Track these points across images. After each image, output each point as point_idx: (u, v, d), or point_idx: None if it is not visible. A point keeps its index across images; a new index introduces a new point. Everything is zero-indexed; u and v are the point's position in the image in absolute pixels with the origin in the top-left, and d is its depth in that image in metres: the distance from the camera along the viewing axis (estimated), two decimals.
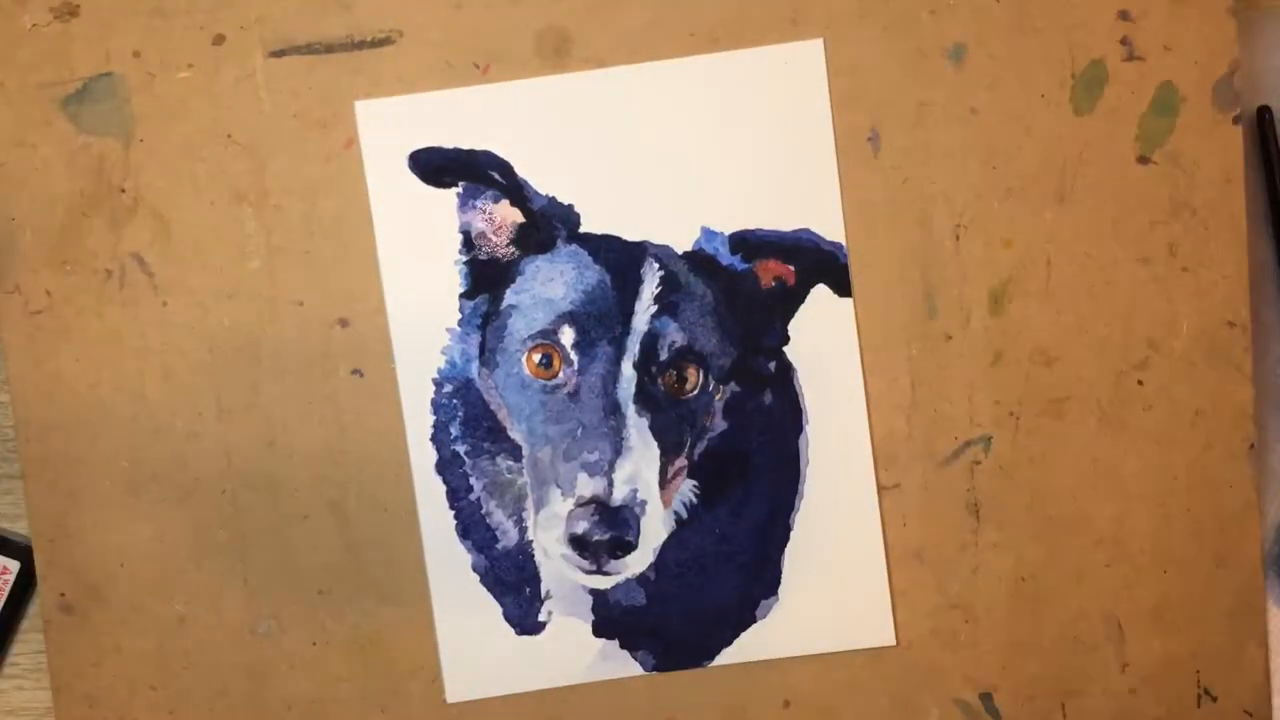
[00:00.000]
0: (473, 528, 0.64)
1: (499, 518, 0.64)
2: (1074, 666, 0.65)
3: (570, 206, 0.63)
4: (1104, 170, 0.64)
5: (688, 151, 0.63)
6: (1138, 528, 0.65)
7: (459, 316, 0.63)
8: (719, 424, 0.64)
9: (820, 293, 0.64)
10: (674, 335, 0.63)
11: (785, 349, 0.64)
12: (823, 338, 0.63)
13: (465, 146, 0.63)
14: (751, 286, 0.64)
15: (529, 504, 0.64)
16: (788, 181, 0.63)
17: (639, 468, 0.62)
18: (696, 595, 0.64)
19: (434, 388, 0.64)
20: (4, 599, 0.66)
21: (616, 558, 0.62)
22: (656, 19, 0.63)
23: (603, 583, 0.64)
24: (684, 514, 0.64)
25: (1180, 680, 0.65)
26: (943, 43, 0.64)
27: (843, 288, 0.64)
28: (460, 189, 0.63)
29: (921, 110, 0.64)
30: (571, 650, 0.65)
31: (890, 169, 0.64)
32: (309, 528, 0.64)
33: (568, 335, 0.63)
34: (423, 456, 0.64)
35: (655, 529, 0.63)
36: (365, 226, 0.63)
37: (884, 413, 0.64)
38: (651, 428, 0.62)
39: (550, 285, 0.63)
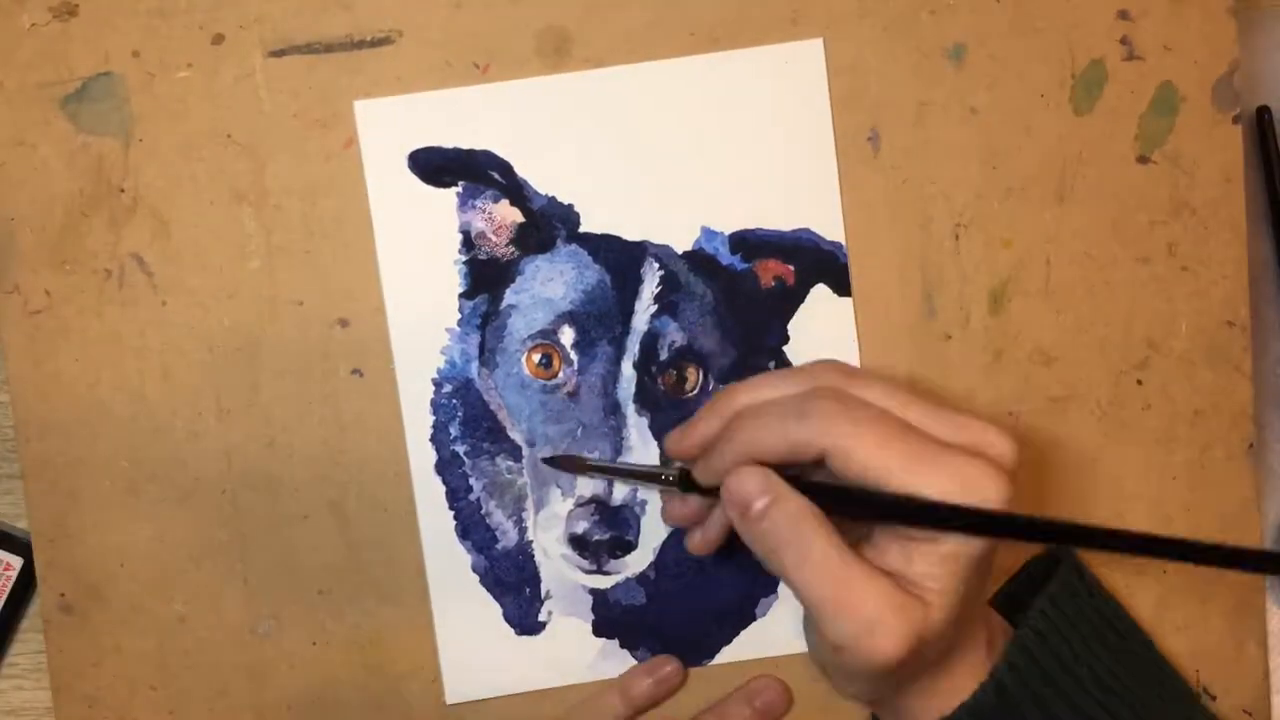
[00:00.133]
0: (472, 528, 0.64)
1: (499, 518, 0.64)
2: None
3: (570, 206, 0.63)
4: (1104, 170, 0.64)
5: (688, 151, 0.63)
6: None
7: (458, 316, 0.63)
8: None
9: (820, 292, 0.63)
10: (674, 335, 0.63)
11: (785, 349, 0.63)
12: (822, 337, 0.63)
13: (465, 146, 0.63)
14: (751, 286, 0.64)
15: (529, 504, 0.64)
16: (788, 181, 0.63)
17: None
18: (696, 594, 0.64)
19: (433, 388, 0.64)
20: (6, 595, 0.66)
21: (616, 557, 0.62)
22: (656, 19, 0.63)
23: (603, 582, 0.64)
24: None
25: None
26: (943, 43, 0.64)
27: (842, 287, 0.64)
28: (460, 189, 0.63)
29: (921, 110, 0.64)
30: (572, 650, 0.65)
31: (890, 169, 0.64)
32: (309, 528, 0.64)
33: (567, 335, 0.63)
34: (422, 457, 0.64)
35: (655, 529, 0.63)
36: (365, 226, 0.63)
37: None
38: (651, 427, 0.62)
39: (550, 285, 0.63)
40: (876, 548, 0.52)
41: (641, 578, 0.64)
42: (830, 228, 0.63)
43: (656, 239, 0.63)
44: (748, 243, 0.63)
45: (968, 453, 0.50)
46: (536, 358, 0.63)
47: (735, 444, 0.53)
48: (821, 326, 0.63)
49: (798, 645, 0.65)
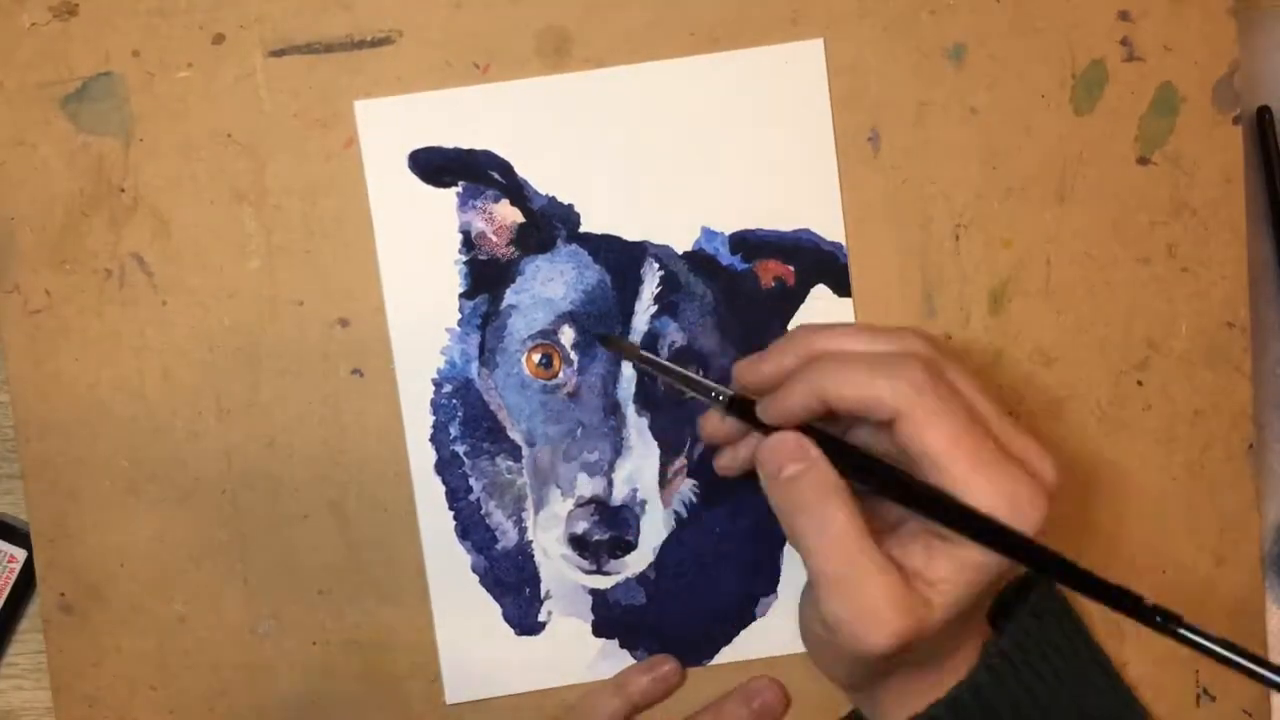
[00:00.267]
0: (472, 528, 0.64)
1: (498, 518, 0.64)
2: None
3: (570, 206, 0.63)
4: (1104, 170, 0.64)
5: (688, 151, 0.63)
6: (1137, 528, 0.65)
7: (459, 316, 0.63)
8: None
9: (820, 293, 0.63)
10: (674, 335, 0.63)
11: None
12: None
13: (465, 146, 0.63)
14: (751, 286, 0.64)
15: (529, 504, 0.64)
16: (788, 182, 0.63)
17: (639, 468, 0.62)
18: (696, 594, 0.64)
19: (433, 388, 0.64)
20: (10, 587, 0.66)
21: (616, 557, 0.62)
22: (657, 19, 0.63)
23: (602, 582, 0.64)
24: (684, 513, 0.64)
25: (1180, 680, 0.65)
26: (943, 43, 0.64)
27: (842, 288, 0.64)
28: (460, 189, 0.63)
29: (921, 110, 0.64)
30: (571, 650, 0.65)
31: (890, 169, 0.64)
32: (309, 528, 0.64)
33: (568, 335, 0.63)
34: (422, 457, 0.64)
35: (655, 529, 0.63)
36: (365, 226, 0.63)
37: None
38: (651, 428, 0.63)
39: (550, 285, 0.63)
40: (901, 538, 0.51)
41: (641, 578, 0.64)
42: (830, 228, 0.63)
43: (657, 239, 0.63)
44: (748, 243, 0.63)
45: (1021, 468, 0.50)
46: (537, 358, 0.63)
47: (811, 383, 0.52)
48: None
49: (798, 645, 0.64)
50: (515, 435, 0.64)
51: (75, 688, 0.64)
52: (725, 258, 0.63)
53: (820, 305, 0.64)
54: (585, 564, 0.63)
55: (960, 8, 0.64)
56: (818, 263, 0.64)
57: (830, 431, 0.53)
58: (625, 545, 0.62)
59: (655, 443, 0.62)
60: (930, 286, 0.64)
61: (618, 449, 0.62)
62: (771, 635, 0.65)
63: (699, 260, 0.63)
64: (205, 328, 0.63)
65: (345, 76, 0.63)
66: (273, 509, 0.64)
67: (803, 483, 0.52)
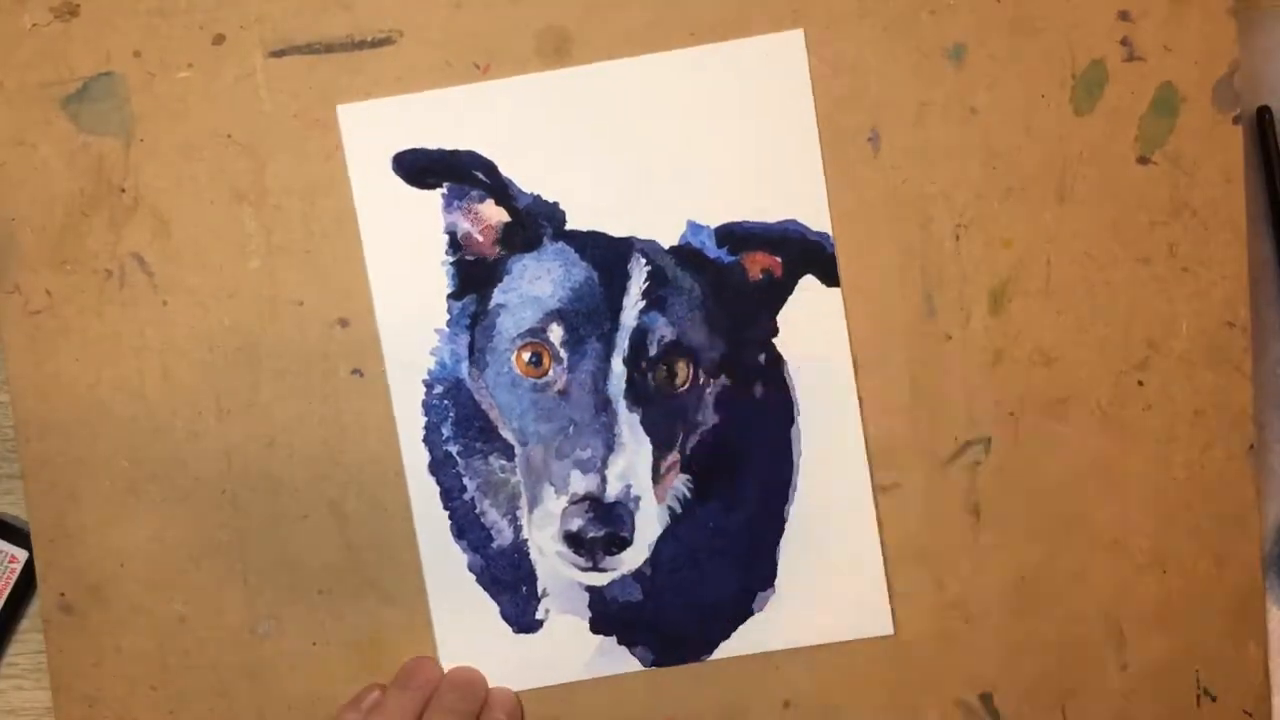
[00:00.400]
0: (467, 528, 0.64)
1: (493, 517, 0.64)
2: (1074, 666, 0.65)
3: (555, 204, 0.63)
4: (1104, 170, 0.64)
5: (671, 145, 0.63)
6: (1137, 528, 0.65)
7: (447, 317, 0.64)
8: (710, 418, 0.64)
9: (808, 283, 0.63)
10: (663, 330, 0.63)
11: (775, 341, 0.64)
12: (812, 329, 0.63)
13: (448, 147, 0.63)
14: (739, 279, 0.64)
15: (523, 503, 0.64)
16: (773, 172, 0.63)
17: (632, 463, 0.62)
18: (693, 590, 0.64)
19: (424, 389, 0.64)
20: (11, 587, 0.66)
21: (612, 554, 0.62)
22: (657, 18, 0.63)
23: (599, 579, 0.64)
24: (678, 508, 0.64)
25: (1180, 680, 0.65)
26: (943, 43, 0.64)
27: (830, 278, 0.64)
28: (445, 190, 0.63)
29: (921, 110, 0.64)
30: (569, 647, 0.65)
31: (890, 169, 0.64)
32: (309, 528, 0.64)
33: (556, 333, 0.63)
34: (416, 458, 0.64)
35: (650, 524, 0.63)
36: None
37: (883, 413, 0.64)
38: (643, 423, 0.62)
39: (538, 283, 0.63)
40: None
41: (638, 574, 0.64)
42: (816, 218, 0.63)
43: (643, 234, 0.63)
44: (734, 235, 0.63)
45: None
46: (526, 356, 0.63)
47: None
48: (811, 318, 0.63)
49: (795, 639, 0.65)
50: (507, 434, 0.64)
51: (75, 688, 0.64)
52: (712, 250, 0.63)
53: (809, 295, 0.63)
54: (581, 561, 0.62)
55: (960, 8, 0.64)
56: (805, 253, 0.63)
57: None
58: (620, 541, 0.62)
59: (647, 438, 0.62)
60: (930, 286, 0.64)
61: (610, 445, 0.62)
62: (769, 630, 0.65)
63: (686, 254, 0.63)
64: (205, 328, 0.64)
65: (345, 77, 0.63)
66: (273, 509, 0.64)
67: None
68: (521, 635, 0.65)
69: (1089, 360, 0.64)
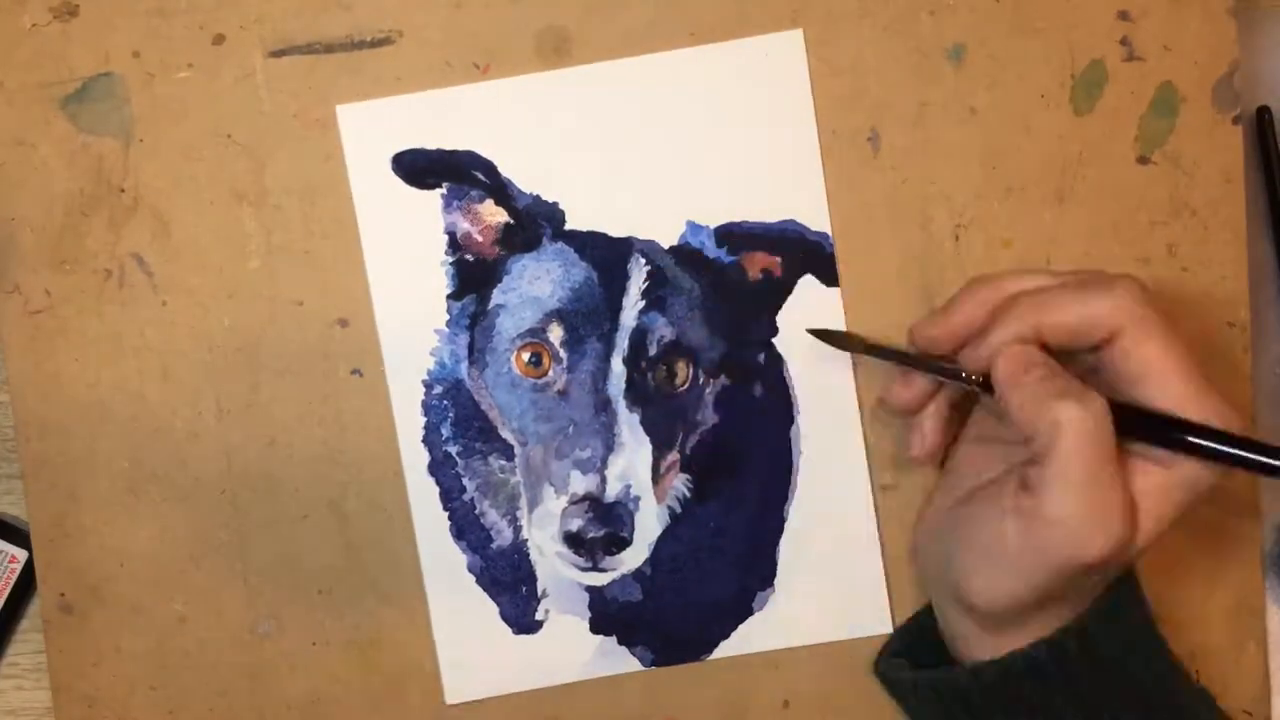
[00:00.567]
0: (467, 528, 0.64)
1: (493, 517, 0.64)
2: None
3: (555, 204, 0.63)
4: (1104, 170, 0.64)
5: (670, 145, 0.63)
6: None
7: (447, 318, 0.63)
8: (710, 417, 0.64)
9: (807, 283, 0.63)
10: (662, 330, 0.63)
11: (774, 341, 0.64)
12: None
13: (448, 147, 0.63)
14: (738, 279, 0.64)
15: (522, 503, 0.64)
16: (772, 173, 0.63)
17: (631, 463, 0.62)
18: (693, 589, 0.64)
19: (424, 389, 0.64)
20: (11, 587, 0.66)
21: (612, 554, 0.62)
22: (657, 18, 0.63)
23: (599, 579, 0.64)
24: (678, 508, 0.64)
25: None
26: (943, 43, 0.64)
27: (829, 278, 0.64)
28: (444, 190, 0.63)
29: (921, 110, 0.64)
30: (569, 648, 0.65)
31: (890, 169, 0.64)
32: (309, 528, 0.64)
33: (556, 333, 0.63)
34: (415, 458, 0.64)
35: (649, 524, 0.63)
36: None
37: (883, 413, 0.64)
38: (643, 423, 0.62)
39: (537, 284, 0.63)
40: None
41: (638, 574, 0.64)
42: (816, 218, 0.63)
43: (642, 234, 0.63)
44: (733, 235, 0.63)
45: None
46: (526, 356, 0.63)
47: (1021, 320, 0.54)
48: (811, 318, 0.63)
49: (795, 639, 0.65)
50: (507, 434, 0.64)
51: (75, 688, 0.64)
52: (711, 251, 0.63)
53: (808, 295, 0.63)
54: (581, 561, 0.62)
55: (960, 8, 0.64)
56: (804, 253, 0.63)
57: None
58: (620, 541, 0.62)
59: (647, 438, 0.62)
60: (930, 286, 0.64)
61: (610, 445, 0.62)
62: (770, 629, 0.65)
63: (685, 254, 0.63)
64: (205, 328, 0.64)
65: (345, 77, 0.63)
66: (273, 509, 0.64)
67: (1058, 381, 0.52)
68: (521, 635, 0.64)
69: None
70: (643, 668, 0.65)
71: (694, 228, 0.63)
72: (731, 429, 0.64)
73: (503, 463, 0.64)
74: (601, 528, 0.62)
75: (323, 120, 0.63)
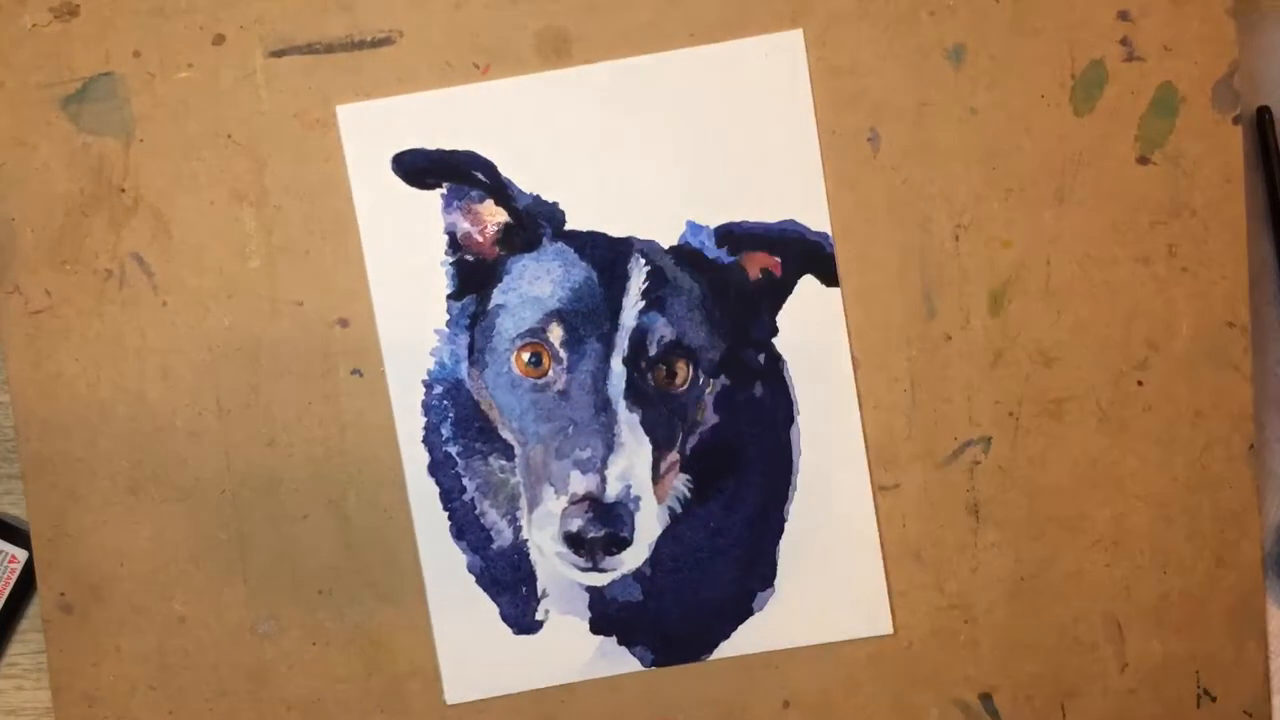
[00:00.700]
0: (467, 528, 0.64)
1: (493, 518, 0.64)
2: (1074, 666, 0.65)
3: (555, 204, 0.63)
4: (1104, 170, 0.64)
5: (671, 146, 0.64)
6: (1137, 528, 0.65)
7: (447, 318, 0.64)
8: (710, 417, 0.64)
9: (807, 283, 0.64)
10: (662, 330, 0.63)
11: (774, 341, 0.64)
12: (811, 329, 0.63)
13: (448, 147, 0.63)
14: (739, 279, 0.64)
15: (522, 503, 0.64)
16: (772, 173, 0.63)
17: (631, 463, 0.62)
18: (693, 589, 0.64)
19: (424, 389, 0.64)
20: (11, 587, 0.66)
21: (612, 554, 0.62)
22: (657, 18, 0.63)
23: (599, 580, 0.64)
24: (678, 508, 0.64)
25: (1180, 680, 0.65)
26: (943, 43, 0.64)
27: (829, 278, 0.64)
28: (444, 190, 0.63)
29: (921, 110, 0.64)
30: (569, 648, 0.65)
31: (890, 169, 0.64)
32: (309, 527, 0.64)
33: (556, 333, 0.63)
34: (415, 458, 0.64)
35: (649, 524, 0.63)
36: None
37: (883, 413, 0.64)
38: (643, 423, 0.62)
39: (537, 284, 0.63)
40: None
41: (638, 574, 0.64)
42: (815, 218, 0.63)
43: (642, 234, 0.63)
44: (733, 235, 0.63)
45: None
46: (526, 356, 0.63)
47: None
48: (810, 318, 0.63)
49: (795, 639, 0.65)
50: (507, 434, 0.64)
51: (75, 687, 0.64)
52: (711, 251, 0.63)
53: (808, 295, 0.64)
54: (581, 561, 0.62)
55: (960, 8, 0.64)
56: (804, 253, 0.63)
57: None
58: (620, 542, 0.62)
59: (647, 438, 0.62)
60: (930, 286, 0.64)
61: (610, 445, 0.62)
62: (769, 630, 0.65)
63: (685, 254, 0.63)
64: (205, 328, 0.64)
65: (345, 77, 0.63)
66: (272, 509, 0.64)
67: None
68: (521, 636, 0.65)
69: (1089, 360, 0.64)
70: (643, 668, 0.65)
71: (694, 228, 0.63)
72: (731, 429, 0.64)
73: (503, 463, 0.64)
74: (601, 528, 0.62)
75: (323, 120, 0.63)
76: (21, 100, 0.63)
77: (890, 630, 0.65)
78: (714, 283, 0.63)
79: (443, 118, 0.63)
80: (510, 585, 0.64)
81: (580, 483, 0.62)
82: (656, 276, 0.63)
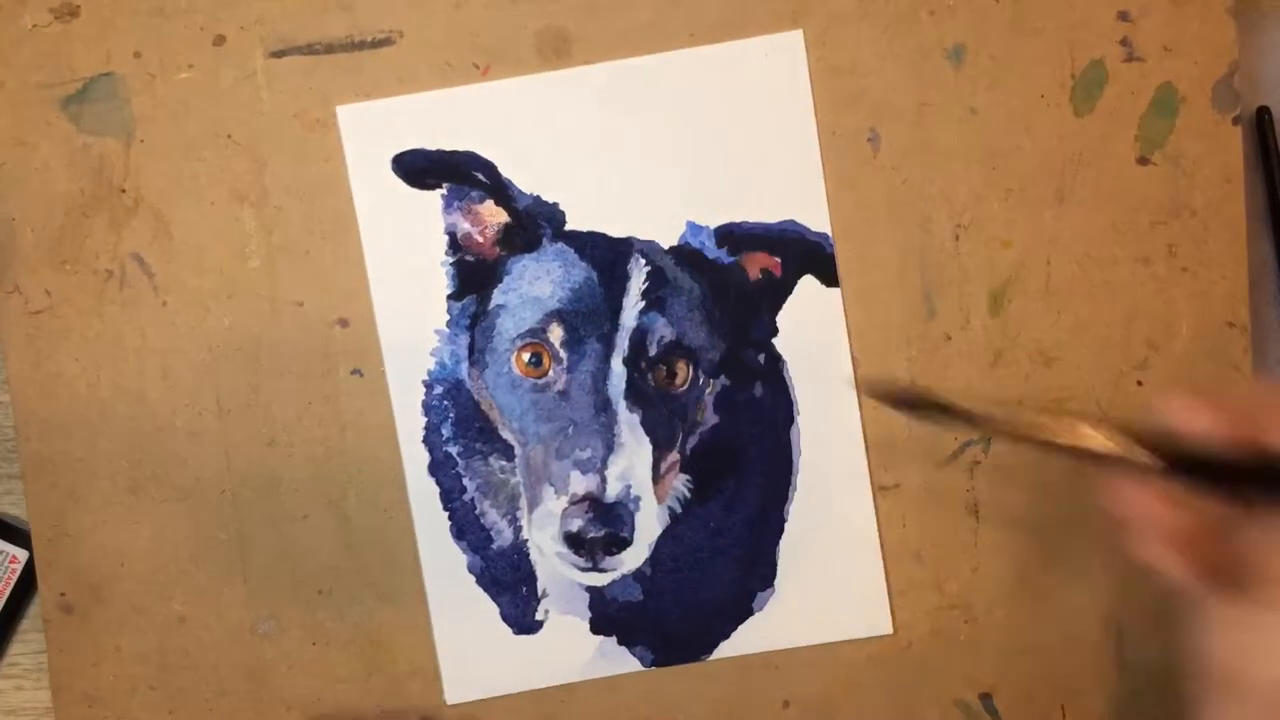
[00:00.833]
0: (467, 528, 0.64)
1: (493, 518, 0.64)
2: (1074, 666, 0.65)
3: (555, 205, 0.63)
4: (1104, 170, 0.64)
5: (671, 146, 0.64)
6: None
7: (447, 318, 0.64)
8: (710, 417, 0.64)
9: (807, 284, 0.64)
10: (662, 330, 0.63)
11: (774, 341, 0.64)
12: (811, 329, 0.63)
13: (448, 147, 0.63)
14: (739, 279, 0.64)
15: (523, 503, 0.64)
16: (772, 173, 0.64)
17: (632, 463, 0.62)
18: (693, 589, 0.64)
19: (424, 390, 0.64)
20: (11, 587, 0.66)
21: (612, 554, 0.62)
22: (657, 18, 0.63)
23: (599, 580, 0.64)
24: (678, 508, 0.64)
25: (1180, 680, 0.65)
26: (943, 43, 0.64)
27: (829, 278, 0.64)
28: (445, 190, 0.63)
29: (921, 110, 0.64)
30: (569, 648, 0.65)
31: (890, 169, 0.64)
32: (309, 527, 0.64)
33: (556, 333, 0.63)
34: (415, 458, 0.64)
35: (650, 524, 0.63)
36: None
37: (883, 413, 0.64)
38: (643, 423, 0.62)
39: (537, 284, 0.63)
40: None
41: (638, 574, 0.64)
42: (815, 218, 0.63)
43: (642, 235, 0.63)
44: (733, 236, 0.63)
45: None
46: (526, 357, 0.63)
47: None
48: (810, 318, 0.63)
49: (795, 639, 0.65)
50: (507, 435, 0.64)
51: (75, 687, 0.64)
52: (711, 251, 0.63)
53: (808, 295, 0.64)
54: (581, 561, 0.62)
55: (960, 8, 0.64)
56: (804, 253, 0.64)
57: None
58: (620, 542, 0.62)
59: (647, 438, 0.62)
60: (930, 286, 0.64)
61: (610, 446, 0.62)
62: (769, 630, 0.65)
63: (685, 254, 0.63)
64: (205, 328, 0.64)
65: (346, 77, 0.63)
66: (272, 509, 0.64)
67: None
68: (521, 636, 0.64)
69: (1089, 360, 0.64)
70: (643, 668, 0.65)
71: (694, 228, 0.63)
72: (731, 429, 0.64)
73: (503, 463, 0.64)
74: (601, 528, 0.62)
75: (323, 120, 0.63)
76: (22, 100, 0.63)
77: (890, 630, 0.65)
78: (714, 283, 0.63)
79: (443, 118, 0.63)
80: (510, 585, 0.64)
81: (580, 483, 0.62)
82: (656, 277, 0.63)
